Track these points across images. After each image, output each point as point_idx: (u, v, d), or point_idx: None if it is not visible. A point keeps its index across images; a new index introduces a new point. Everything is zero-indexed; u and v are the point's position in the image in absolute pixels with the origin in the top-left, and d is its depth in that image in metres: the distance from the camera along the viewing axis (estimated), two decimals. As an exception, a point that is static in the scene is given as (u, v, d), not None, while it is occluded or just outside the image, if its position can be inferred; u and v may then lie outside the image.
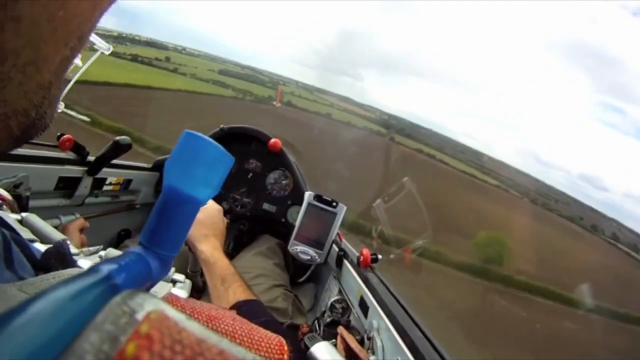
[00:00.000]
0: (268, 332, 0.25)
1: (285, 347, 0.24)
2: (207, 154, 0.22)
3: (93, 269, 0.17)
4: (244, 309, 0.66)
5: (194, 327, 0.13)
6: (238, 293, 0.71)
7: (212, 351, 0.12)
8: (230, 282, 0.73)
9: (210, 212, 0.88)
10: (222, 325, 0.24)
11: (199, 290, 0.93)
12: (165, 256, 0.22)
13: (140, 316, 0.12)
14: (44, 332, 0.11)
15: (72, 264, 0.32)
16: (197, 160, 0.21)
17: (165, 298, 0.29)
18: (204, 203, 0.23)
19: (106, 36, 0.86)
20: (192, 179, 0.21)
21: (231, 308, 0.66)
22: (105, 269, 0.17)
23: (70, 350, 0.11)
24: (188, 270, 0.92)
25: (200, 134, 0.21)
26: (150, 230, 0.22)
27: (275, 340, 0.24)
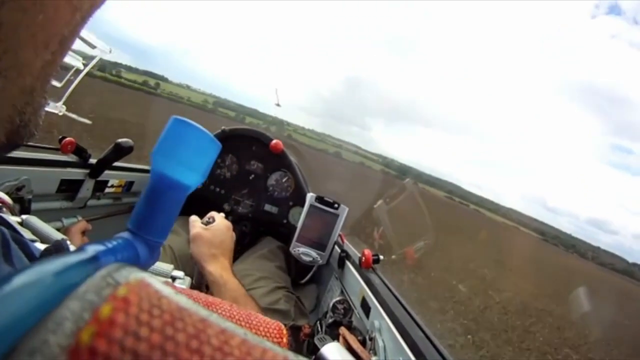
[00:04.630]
0: (267, 317, 0.25)
1: (285, 332, 0.23)
2: (192, 138, 0.21)
3: (80, 249, 0.17)
4: None
5: (179, 298, 0.12)
6: None
7: (194, 318, 0.12)
8: (242, 304, 0.70)
9: (219, 230, 0.82)
10: (220, 310, 0.24)
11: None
12: (154, 242, 0.22)
13: None
14: (25, 304, 0.12)
15: None
16: (183, 145, 0.21)
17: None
18: (191, 188, 0.23)
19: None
20: (178, 164, 0.21)
21: None
22: (92, 249, 0.17)
23: (51, 317, 0.11)
24: (193, 282, 0.91)
25: (186, 120, 0.21)
26: (138, 216, 0.22)
27: (274, 325, 0.24)
